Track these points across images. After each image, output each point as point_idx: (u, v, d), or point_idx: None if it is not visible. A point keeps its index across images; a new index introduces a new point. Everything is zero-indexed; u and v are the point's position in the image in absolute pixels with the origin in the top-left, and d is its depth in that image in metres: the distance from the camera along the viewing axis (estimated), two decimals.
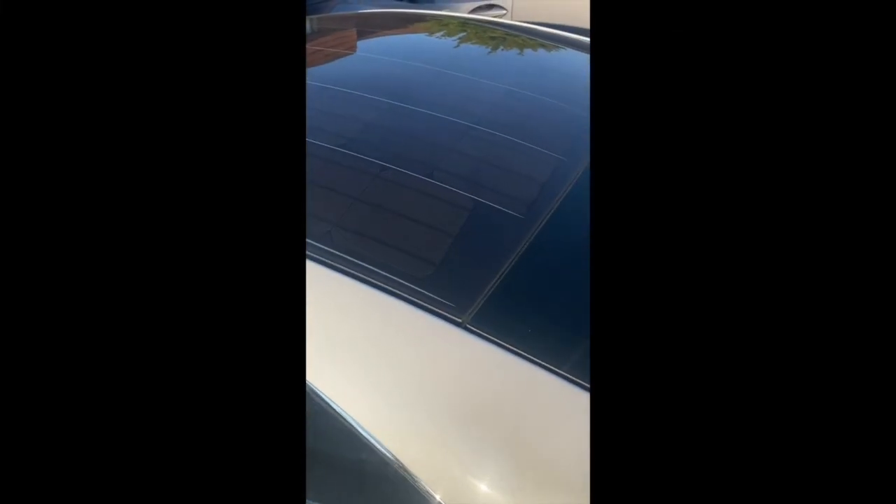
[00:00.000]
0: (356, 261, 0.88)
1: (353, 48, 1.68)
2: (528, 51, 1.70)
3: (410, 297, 0.82)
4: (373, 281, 0.85)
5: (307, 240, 0.91)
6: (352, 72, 1.50)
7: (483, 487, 0.70)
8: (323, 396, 0.77)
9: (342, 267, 0.87)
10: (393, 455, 0.73)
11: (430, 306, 0.82)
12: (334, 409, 0.76)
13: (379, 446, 0.73)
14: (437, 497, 0.71)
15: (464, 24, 1.89)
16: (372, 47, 1.70)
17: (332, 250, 0.89)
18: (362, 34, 1.81)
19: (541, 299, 0.86)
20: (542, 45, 1.76)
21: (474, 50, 1.69)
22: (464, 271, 0.87)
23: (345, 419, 0.76)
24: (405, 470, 0.72)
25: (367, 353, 0.79)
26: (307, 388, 0.78)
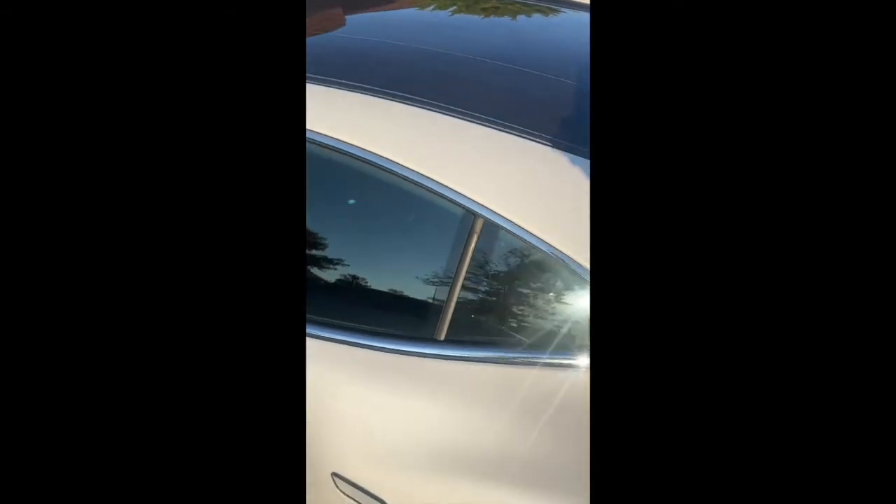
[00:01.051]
0: None
1: (342, 23, 1.65)
2: (525, 16, 1.69)
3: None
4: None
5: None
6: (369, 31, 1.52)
7: None
8: None
9: None
10: None
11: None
12: None
13: None
14: None
15: None
16: (366, 20, 1.67)
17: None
18: (350, 10, 1.78)
19: None
20: (539, 10, 1.75)
21: (474, 18, 1.68)
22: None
23: None
24: None
25: None
26: None
